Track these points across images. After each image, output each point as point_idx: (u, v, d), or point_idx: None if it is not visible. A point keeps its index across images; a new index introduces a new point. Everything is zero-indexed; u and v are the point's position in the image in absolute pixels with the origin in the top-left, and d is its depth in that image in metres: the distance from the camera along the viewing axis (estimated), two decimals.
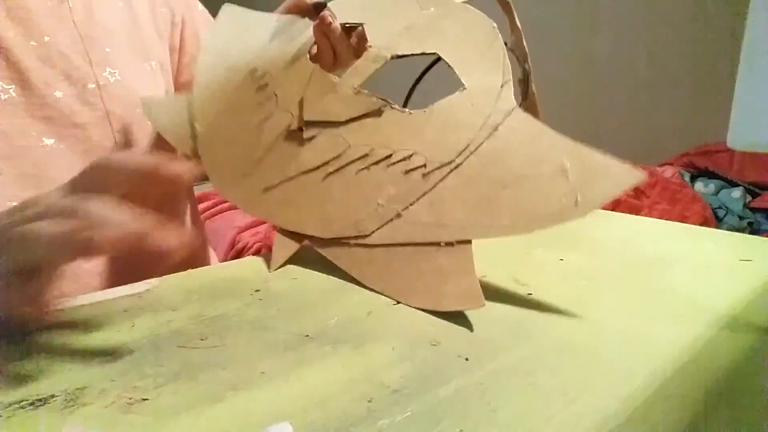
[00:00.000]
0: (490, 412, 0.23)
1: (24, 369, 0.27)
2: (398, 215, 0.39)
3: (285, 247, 0.42)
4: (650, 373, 0.26)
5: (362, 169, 0.41)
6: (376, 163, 0.41)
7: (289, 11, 0.51)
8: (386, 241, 0.39)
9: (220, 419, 0.23)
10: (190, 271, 0.41)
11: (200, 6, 0.63)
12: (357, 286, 0.38)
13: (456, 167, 0.39)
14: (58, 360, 0.27)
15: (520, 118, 0.39)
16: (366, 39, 0.46)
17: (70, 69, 0.48)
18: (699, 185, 1.51)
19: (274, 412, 0.23)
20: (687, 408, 0.24)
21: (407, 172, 0.40)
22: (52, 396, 0.24)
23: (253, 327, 0.31)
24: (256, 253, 1.48)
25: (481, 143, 0.39)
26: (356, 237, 0.40)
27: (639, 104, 1.92)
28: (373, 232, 0.39)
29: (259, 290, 0.37)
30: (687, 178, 1.55)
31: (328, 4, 0.50)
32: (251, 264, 0.42)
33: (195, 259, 0.59)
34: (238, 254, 1.47)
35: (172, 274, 0.40)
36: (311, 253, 0.41)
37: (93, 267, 0.48)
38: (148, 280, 0.38)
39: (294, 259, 0.41)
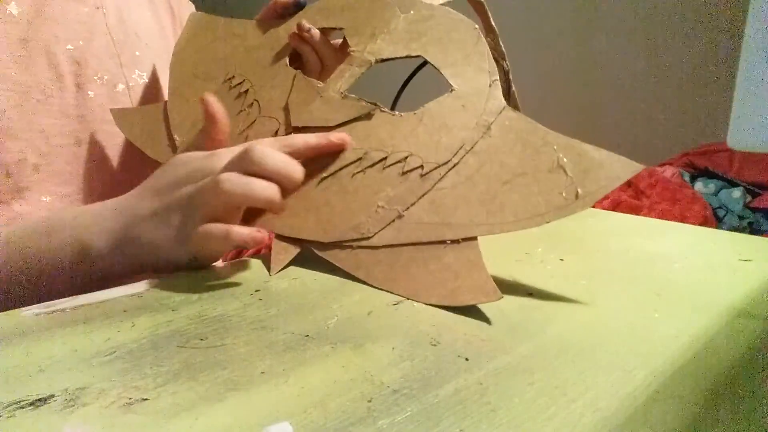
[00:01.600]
0: (490, 412, 0.23)
1: (24, 369, 0.27)
2: (399, 216, 0.39)
3: (284, 252, 0.41)
4: (650, 373, 0.26)
5: (357, 172, 0.41)
6: (372, 165, 0.41)
7: (268, 15, 0.52)
8: (389, 242, 0.39)
9: (220, 419, 0.23)
10: (190, 271, 0.41)
11: None
12: (357, 286, 0.38)
13: (453, 167, 0.39)
14: (58, 360, 0.27)
15: (511, 116, 0.39)
16: (347, 43, 0.46)
17: (102, 71, 0.51)
18: (699, 185, 1.51)
19: (274, 412, 0.23)
20: (687, 408, 0.24)
21: (404, 173, 0.40)
22: (52, 396, 0.24)
23: (253, 327, 0.31)
24: (256, 253, 1.48)
25: (476, 142, 0.39)
26: (358, 240, 0.39)
27: (639, 104, 1.92)
28: (374, 234, 0.39)
29: (259, 290, 0.37)
30: (687, 178, 1.55)
31: (307, 8, 0.50)
32: (251, 264, 0.42)
33: None
34: (238, 254, 1.47)
35: (171, 274, 0.40)
36: (311, 253, 0.41)
37: None
38: (148, 280, 0.38)
39: (294, 260, 0.41)
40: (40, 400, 0.24)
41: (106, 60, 0.51)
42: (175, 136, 0.48)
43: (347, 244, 0.40)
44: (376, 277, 0.38)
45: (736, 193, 1.43)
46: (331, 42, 0.51)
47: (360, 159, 0.41)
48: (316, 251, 0.41)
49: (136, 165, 0.51)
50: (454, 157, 0.39)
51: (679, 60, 1.80)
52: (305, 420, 0.23)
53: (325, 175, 0.42)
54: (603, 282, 0.39)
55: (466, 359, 0.28)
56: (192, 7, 0.64)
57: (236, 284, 0.38)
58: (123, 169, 0.52)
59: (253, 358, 0.28)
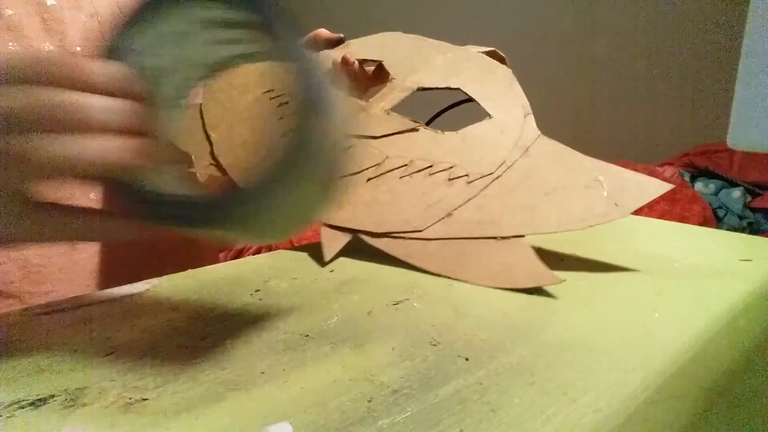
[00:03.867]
0: (490, 412, 0.23)
1: (24, 369, 0.27)
2: (449, 215, 0.40)
3: (336, 240, 0.42)
4: (650, 373, 0.26)
5: (404, 176, 0.43)
6: (418, 172, 0.43)
7: (306, 47, 0.55)
8: (441, 236, 0.40)
9: (220, 419, 0.23)
10: (189, 271, 0.41)
11: None
12: (357, 286, 0.38)
13: (497, 178, 0.41)
14: (58, 360, 0.27)
15: (547, 142, 0.43)
16: (381, 70, 0.50)
17: None
18: (699, 185, 1.51)
19: (274, 412, 0.23)
20: (687, 408, 0.24)
21: (451, 179, 0.42)
22: (52, 396, 0.24)
23: (253, 327, 0.31)
24: (256, 253, 1.48)
25: (516, 161, 0.42)
26: (410, 232, 0.41)
27: (639, 104, 1.92)
28: (425, 228, 0.41)
29: (259, 290, 0.37)
30: (687, 178, 1.55)
31: (347, 42, 0.54)
32: (251, 264, 0.42)
33: (195, 260, 0.59)
34: (238, 254, 1.47)
35: (171, 274, 0.40)
36: (312, 253, 0.41)
37: (89, 266, 0.48)
38: (148, 280, 0.38)
39: (294, 259, 0.41)
40: (40, 400, 0.24)
41: None
42: (210, 133, 0.51)
43: (398, 235, 0.41)
44: (431, 264, 0.39)
45: (736, 193, 1.43)
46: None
47: (405, 166, 0.43)
48: (367, 240, 0.42)
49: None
50: (497, 170, 0.41)
51: (679, 60, 1.80)
52: (305, 420, 0.23)
53: (371, 176, 0.43)
54: (603, 282, 0.39)
55: (466, 359, 0.28)
56: None
57: (236, 284, 0.38)
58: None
59: (253, 358, 0.28)
